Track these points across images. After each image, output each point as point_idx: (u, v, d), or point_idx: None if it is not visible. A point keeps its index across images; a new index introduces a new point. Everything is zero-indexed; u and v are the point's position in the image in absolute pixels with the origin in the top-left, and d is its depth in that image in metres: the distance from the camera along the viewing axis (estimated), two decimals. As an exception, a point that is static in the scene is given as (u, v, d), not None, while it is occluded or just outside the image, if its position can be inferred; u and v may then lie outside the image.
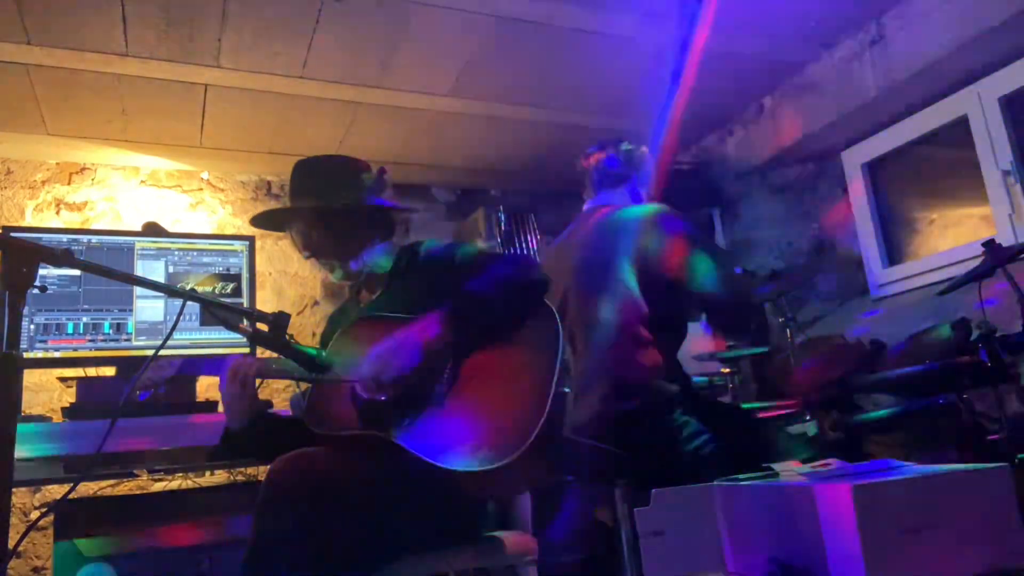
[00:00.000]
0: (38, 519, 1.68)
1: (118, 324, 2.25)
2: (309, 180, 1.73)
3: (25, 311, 2.05)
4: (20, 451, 1.12)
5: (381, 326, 1.57)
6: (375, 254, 1.76)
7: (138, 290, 2.29)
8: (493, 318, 1.50)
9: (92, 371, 2.36)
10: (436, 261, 1.71)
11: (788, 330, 2.76)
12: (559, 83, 2.98)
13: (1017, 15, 2.33)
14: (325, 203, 1.68)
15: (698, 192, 3.52)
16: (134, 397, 1.78)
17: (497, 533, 1.68)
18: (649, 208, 1.96)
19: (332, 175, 1.73)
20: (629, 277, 1.85)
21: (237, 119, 2.96)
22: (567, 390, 1.44)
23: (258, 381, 1.64)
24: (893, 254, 3.21)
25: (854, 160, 3.29)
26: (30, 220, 3.03)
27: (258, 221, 1.78)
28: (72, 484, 1.26)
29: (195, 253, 2.41)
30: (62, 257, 1.12)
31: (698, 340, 2.72)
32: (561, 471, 1.81)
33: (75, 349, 2.19)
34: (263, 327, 1.43)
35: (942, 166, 3.09)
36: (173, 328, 1.42)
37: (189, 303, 1.51)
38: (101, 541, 2.09)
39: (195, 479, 2.92)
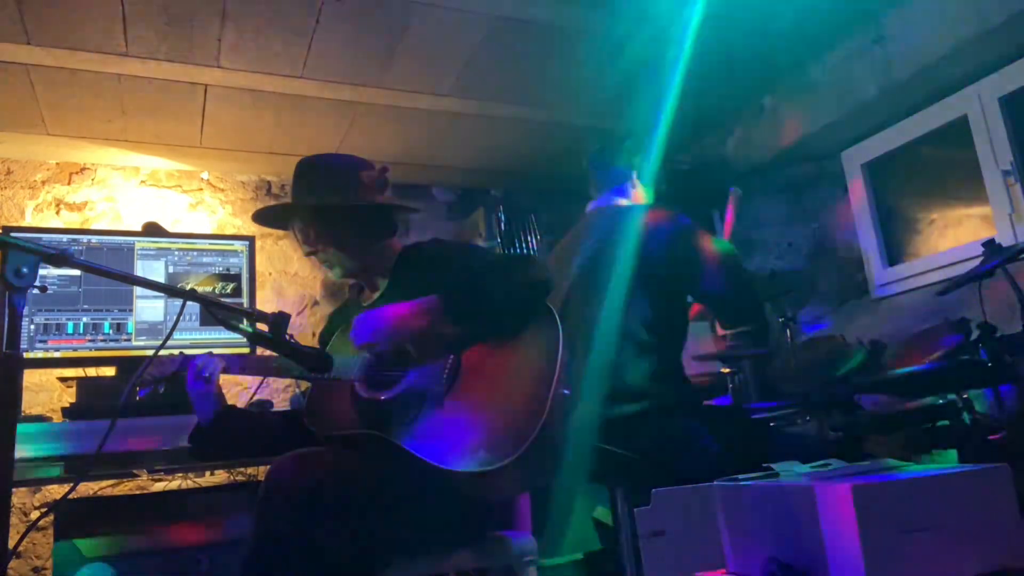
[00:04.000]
0: (38, 519, 1.68)
1: (118, 324, 2.25)
2: (309, 177, 1.73)
3: (25, 311, 2.05)
4: (20, 451, 1.12)
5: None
6: (377, 253, 1.76)
7: (138, 290, 2.29)
8: (493, 311, 1.50)
9: (92, 371, 2.36)
10: (438, 259, 1.71)
11: (788, 330, 2.76)
12: (559, 83, 2.98)
13: (1017, 15, 2.33)
14: (323, 200, 1.68)
15: (698, 192, 3.52)
16: (134, 395, 1.79)
17: (497, 533, 1.68)
18: (652, 208, 1.96)
19: (332, 173, 1.73)
20: (632, 279, 1.84)
21: (237, 119, 2.96)
22: (567, 392, 1.44)
23: (258, 379, 1.64)
24: (893, 254, 3.21)
25: (854, 160, 3.29)
26: (30, 220, 3.03)
27: (260, 217, 1.78)
28: (72, 484, 1.26)
29: (195, 253, 2.42)
30: (62, 257, 1.12)
31: (702, 341, 2.72)
32: (562, 470, 1.81)
33: (75, 349, 2.19)
34: (263, 327, 1.43)
35: (942, 166, 3.09)
36: (173, 328, 1.42)
37: (189, 303, 1.51)
38: (101, 541, 2.09)
39: (195, 479, 2.92)
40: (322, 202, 1.69)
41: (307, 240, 1.72)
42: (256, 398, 2.34)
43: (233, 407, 1.74)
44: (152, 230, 2.41)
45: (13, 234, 2.02)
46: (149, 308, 2.29)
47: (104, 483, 2.84)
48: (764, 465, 1.36)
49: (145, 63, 2.52)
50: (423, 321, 1.48)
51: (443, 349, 1.51)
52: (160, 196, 3.31)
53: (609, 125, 3.21)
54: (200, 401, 1.64)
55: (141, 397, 1.98)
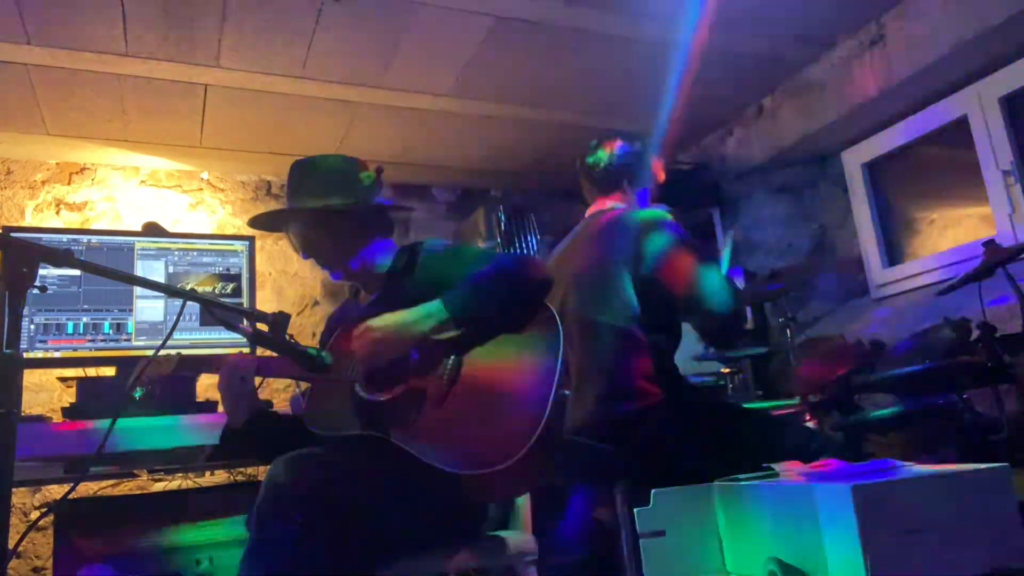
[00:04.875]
0: (38, 519, 1.68)
1: (118, 324, 2.25)
2: (306, 181, 1.72)
3: (25, 311, 2.05)
4: (20, 451, 1.12)
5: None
6: (374, 254, 1.76)
7: (138, 290, 2.29)
8: (495, 312, 1.50)
9: (92, 371, 2.36)
10: (437, 260, 1.71)
11: (788, 330, 2.76)
12: (559, 83, 2.98)
13: (1017, 15, 2.33)
14: (322, 204, 1.68)
15: (698, 192, 3.52)
16: (131, 394, 1.79)
17: (497, 533, 1.69)
18: (648, 213, 1.96)
19: (329, 175, 1.72)
20: (626, 281, 1.84)
21: (237, 119, 2.96)
22: (567, 393, 1.44)
23: (258, 380, 1.64)
24: (893, 254, 3.21)
25: (854, 160, 3.29)
26: (30, 220, 3.04)
27: (256, 223, 1.77)
28: (72, 484, 1.26)
29: (195, 253, 2.41)
30: (62, 257, 1.12)
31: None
32: (561, 472, 1.81)
33: (75, 349, 2.19)
34: (263, 327, 1.43)
35: (942, 166, 3.09)
36: (173, 328, 1.42)
37: (189, 303, 1.51)
38: (101, 541, 2.09)
39: (195, 479, 2.92)
40: (319, 206, 1.68)
41: (305, 245, 1.71)
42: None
43: (266, 410, 1.73)
44: (152, 230, 2.41)
45: (13, 234, 2.02)
46: (149, 308, 2.29)
47: (104, 483, 2.84)
48: (764, 465, 1.36)
49: (145, 63, 2.53)
50: (426, 326, 1.48)
51: (444, 351, 1.51)
52: (160, 196, 3.31)
53: (609, 125, 3.21)
54: (234, 402, 1.60)
55: (138, 399, 1.99)
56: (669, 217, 1.94)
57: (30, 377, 2.84)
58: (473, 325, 1.50)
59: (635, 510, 1.32)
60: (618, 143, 2.09)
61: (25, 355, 2.09)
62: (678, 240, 1.88)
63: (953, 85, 2.81)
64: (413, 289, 1.64)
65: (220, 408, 1.69)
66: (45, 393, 2.88)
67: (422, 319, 1.49)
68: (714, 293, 1.84)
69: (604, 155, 2.08)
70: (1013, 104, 2.71)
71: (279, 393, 3.18)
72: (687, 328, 2.02)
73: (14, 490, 1.51)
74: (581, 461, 1.75)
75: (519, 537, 1.68)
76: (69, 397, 2.82)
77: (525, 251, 3.42)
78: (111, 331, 2.24)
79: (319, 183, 1.71)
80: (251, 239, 2.53)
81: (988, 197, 2.78)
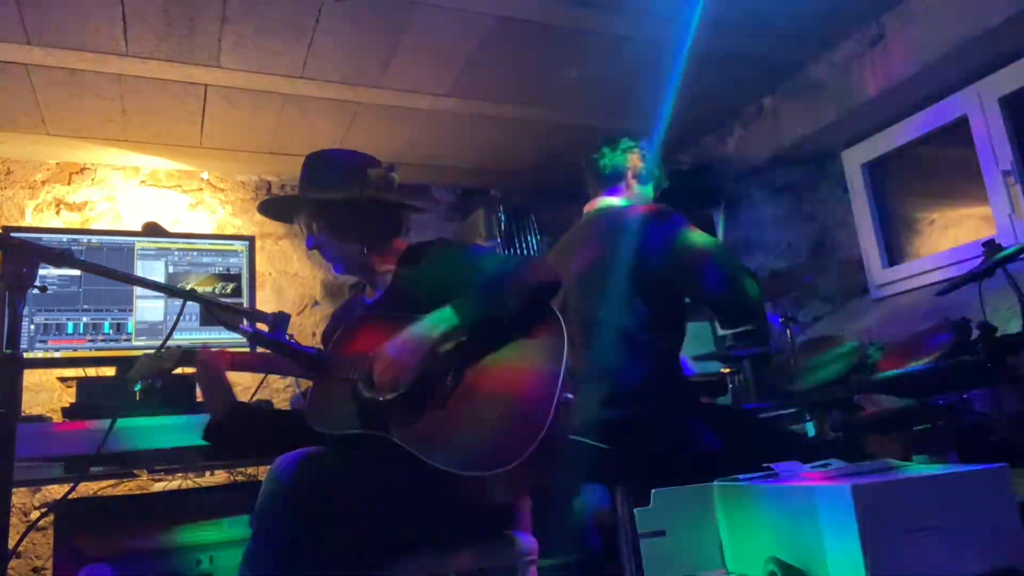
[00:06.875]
0: (38, 519, 1.68)
1: (118, 324, 2.25)
2: (315, 172, 1.74)
3: (25, 311, 2.05)
4: (20, 451, 1.12)
5: (386, 325, 1.57)
6: (380, 250, 1.76)
7: (138, 290, 2.29)
8: (503, 317, 1.50)
9: (92, 371, 2.36)
10: (444, 261, 1.71)
11: (788, 330, 2.76)
12: (559, 83, 2.98)
13: (1017, 15, 2.33)
14: (326, 195, 1.68)
15: (698, 192, 3.52)
16: (132, 388, 1.78)
17: (497, 533, 1.68)
18: (651, 209, 1.96)
19: (337, 168, 1.73)
20: (630, 279, 1.84)
21: (237, 119, 2.96)
22: (570, 396, 1.43)
23: (258, 378, 1.64)
24: (893, 254, 3.21)
25: (854, 160, 3.29)
26: (30, 220, 3.04)
27: (266, 208, 1.78)
28: (72, 484, 1.27)
29: (195, 253, 2.42)
30: (62, 257, 1.13)
31: (702, 341, 2.71)
32: (562, 472, 1.80)
33: (75, 349, 2.19)
34: (263, 327, 1.43)
35: (942, 166, 3.09)
36: (173, 328, 1.43)
37: (189, 303, 1.51)
38: (101, 541, 2.09)
39: (195, 479, 2.92)
40: (328, 196, 1.69)
41: (312, 233, 1.72)
42: (256, 398, 2.34)
43: (245, 404, 1.73)
44: (152, 230, 2.40)
45: (13, 234, 2.02)
46: (149, 308, 2.30)
47: (104, 483, 2.84)
48: (764, 465, 1.36)
49: (145, 63, 2.53)
50: (436, 333, 1.48)
51: (452, 355, 1.51)
52: (160, 196, 3.31)
53: (609, 125, 3.21)
54: (207, 396, 1.63)
55: (138, 390, 1.98)
56: (669, 208, 1.94)
57: (30, 377, 2.84)
58: (484, 332, 1.50)
59: (635, 510, 1.32)
60: (624, 140, 2.11)
61: (25, 355, 2.09)
62: (675, 230, 1.87)
63: (953, 85, 2.81)
64: (418, 289, 1.64)
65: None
66: (45, 393, 2.88)
67: (433, 326, 1.48)
68: (709, 277, 1.82)
69: (609, 151, 2.10)
70: (1013, 104, 2.71)
71: (279, 393, 3.18)
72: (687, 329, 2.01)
73: (14, 490, 1.51)
74: (582, 461, 1.75)
75: (519, 537, 1.68)
76: (69, 397, 2.82)
77: (525, 251, 3.43)
78: (111, 331, 2.24)
79: (327, 174, 1.72)
80: (251, 239, 2.53)
81: (988, 197, 2.78)
